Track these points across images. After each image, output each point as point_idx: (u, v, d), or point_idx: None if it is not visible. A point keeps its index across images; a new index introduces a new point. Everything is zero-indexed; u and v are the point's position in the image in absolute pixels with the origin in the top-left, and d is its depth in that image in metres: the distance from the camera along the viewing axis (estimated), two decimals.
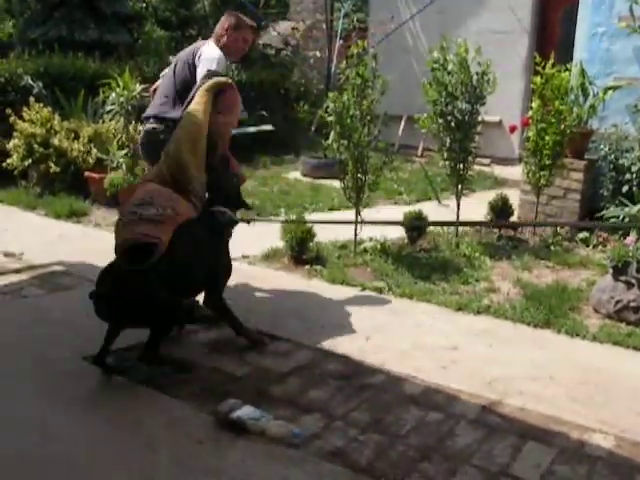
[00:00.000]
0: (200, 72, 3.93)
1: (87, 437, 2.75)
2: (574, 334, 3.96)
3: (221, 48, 4.11)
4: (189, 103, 3.74)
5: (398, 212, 5.75)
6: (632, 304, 4.11)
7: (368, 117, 5.08)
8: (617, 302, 4.17)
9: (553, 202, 6.33)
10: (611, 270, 4.30)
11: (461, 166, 5.63)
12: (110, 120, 7.36)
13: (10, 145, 7.19)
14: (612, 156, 6.17)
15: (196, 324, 3.87)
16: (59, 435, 2.76)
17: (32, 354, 3.47)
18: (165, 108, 4.07)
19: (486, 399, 3.15)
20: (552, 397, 3.20)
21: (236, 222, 3.79)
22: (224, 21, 4.22)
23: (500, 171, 8.98)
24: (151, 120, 4.13)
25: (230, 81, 3.85)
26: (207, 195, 3.70)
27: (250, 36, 4.33)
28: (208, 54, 4.03)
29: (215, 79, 3.76)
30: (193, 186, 3.56)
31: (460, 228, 5.84)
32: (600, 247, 5.61)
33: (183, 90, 3.99)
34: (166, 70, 4.39)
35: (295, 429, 2.71)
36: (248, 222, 4.02)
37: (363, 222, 4.92)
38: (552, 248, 5.58)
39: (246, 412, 2.80)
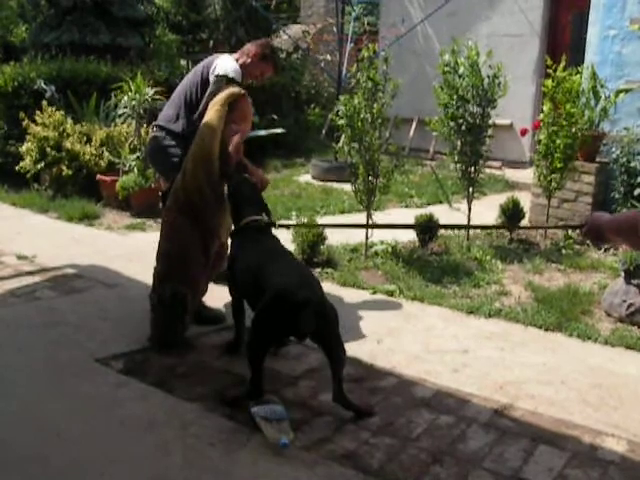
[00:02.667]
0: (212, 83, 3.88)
1: (99, 438, 2.77)
2: (586, 337, 3.94)
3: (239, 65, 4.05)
4: (201, 116, 3.72)
5: (409, 215, 5.75)
6: None
7: (379, 120, 5.08)
8: (629, 306, 4.15)
9: (564, 205, 6.32)
10: (623, 273, 4.28)
11: (472, 169, 5.62)
12: (122, 123, 7.42)
13: (23, 148, 7.25)
14: (624, 159, 6.14)
15: (207, 325, 3.89)
16: (72, 436, 2.78)
17: (45, 356, 3.50)
18: (169, 118, 4.02)
19: (497, 402, 3.15)
20: (564, 401, 3.19)
21: (273, 225, 3.55)
22: (255, 46, 4.14)
23: (511, 174, 8.94)
24: (155, 129, 4.14)
25: (243, 92, 3.79)
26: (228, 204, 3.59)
27: (269, 72, 4.26)
28: (223, 65, 3.92)
29: (227, 91, 3.71)
30: (207, 212, 3.61)
31: (471, 231, 5.83)
32: (612, 250, 5.58)
33: (190, 103, 3.95)
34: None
35: (284, 439, 2.67)
36: (288, 227, 4.07)
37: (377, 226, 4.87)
38: (563, 251, 5.56)
39: (265, 410, 2.79)
